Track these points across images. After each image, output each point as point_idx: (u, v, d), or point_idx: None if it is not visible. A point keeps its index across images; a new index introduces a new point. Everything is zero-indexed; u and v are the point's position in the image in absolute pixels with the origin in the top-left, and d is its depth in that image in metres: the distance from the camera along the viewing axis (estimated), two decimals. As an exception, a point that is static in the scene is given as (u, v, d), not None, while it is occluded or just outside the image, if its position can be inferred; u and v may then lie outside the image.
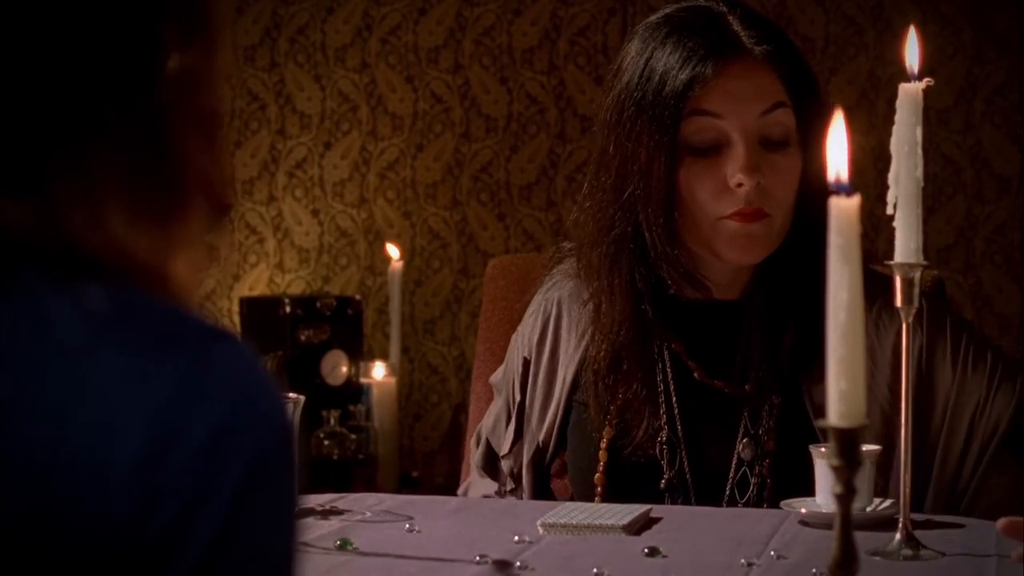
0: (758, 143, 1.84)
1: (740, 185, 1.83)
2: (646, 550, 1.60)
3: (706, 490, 1.90)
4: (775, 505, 1.82)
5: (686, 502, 1.89)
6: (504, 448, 2.01)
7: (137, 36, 0.87)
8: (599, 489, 1.90)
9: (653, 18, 1.89)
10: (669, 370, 1.91)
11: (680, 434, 1.89)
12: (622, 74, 1.88)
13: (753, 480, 1.88)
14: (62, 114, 0.85)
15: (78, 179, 0.85)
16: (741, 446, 1.88)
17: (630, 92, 1.85)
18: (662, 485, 1.89)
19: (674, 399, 1.90)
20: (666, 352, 1.92)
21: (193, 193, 0.90)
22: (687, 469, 1.89)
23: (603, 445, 1.91)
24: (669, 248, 1.85)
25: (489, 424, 2.06)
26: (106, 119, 0.86)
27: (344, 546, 1.63)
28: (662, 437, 1.89)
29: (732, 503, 1.89)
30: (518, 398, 2.00)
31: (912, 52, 1.64)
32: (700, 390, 1.91)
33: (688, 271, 1.88)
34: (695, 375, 1.91)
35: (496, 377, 2.08)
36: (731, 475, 1.89)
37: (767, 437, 1.88)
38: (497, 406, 2.06)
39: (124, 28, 0.87)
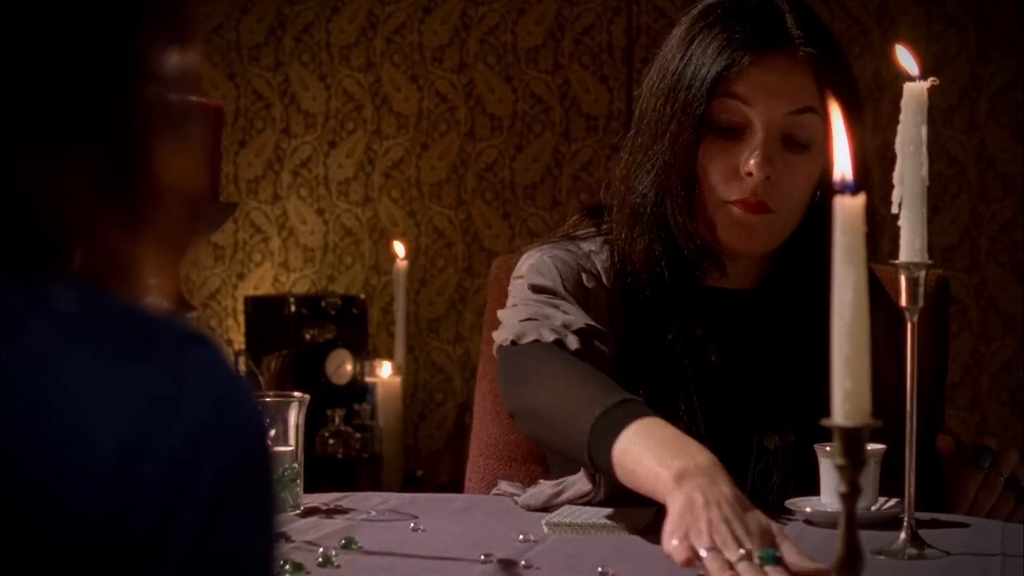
0: (780, 139, 1.87)
1: (749, 174, 1.86)
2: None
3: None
4: (799, 495, 1.83)
5: None
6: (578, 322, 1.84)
7: (111, 32, 0.86)
8: None
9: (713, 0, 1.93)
10: (686, 354, 1.92)
11: (699, 419, 1.91)
12: (670, 46, 1.92)
13: (776, 471, 1.90)
14: (32, 111, 0.83)
15: (48, 177, 0.83)
16: (764, 438, 1.90)
17: (673, 62, 1.90)
18: None
19: (692, 385, 1.91)
20: (683, 336, 1.92)
21: (167, 194, 0.87)
22: None
23: None
24: (687, 219, 1.88)
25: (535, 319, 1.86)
26: (78, 116, 0.84)
27: (349, 545, 1.63)
28: (681, 423, 1.90)
29: (753, 491, 1.90)
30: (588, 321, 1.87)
31: (906, 61, 1.64)
32: (719, 377, 1.93)
33: (704, 245, 1.89)
34: (712, 358, 1.92)
35: (538, 279, 1.91)
36: (752, 461, 1.91)
37: (787, 427, 1.90)
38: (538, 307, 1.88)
39: (97, 23, 0.85)
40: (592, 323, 1.84)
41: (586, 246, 1.95)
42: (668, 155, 1.88)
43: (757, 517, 1.51)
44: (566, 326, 1.83)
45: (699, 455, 1.58)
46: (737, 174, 1.86)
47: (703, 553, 1.47)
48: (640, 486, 1.61)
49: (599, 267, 1.93)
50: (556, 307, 1.86)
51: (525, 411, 1.82)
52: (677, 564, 1.49)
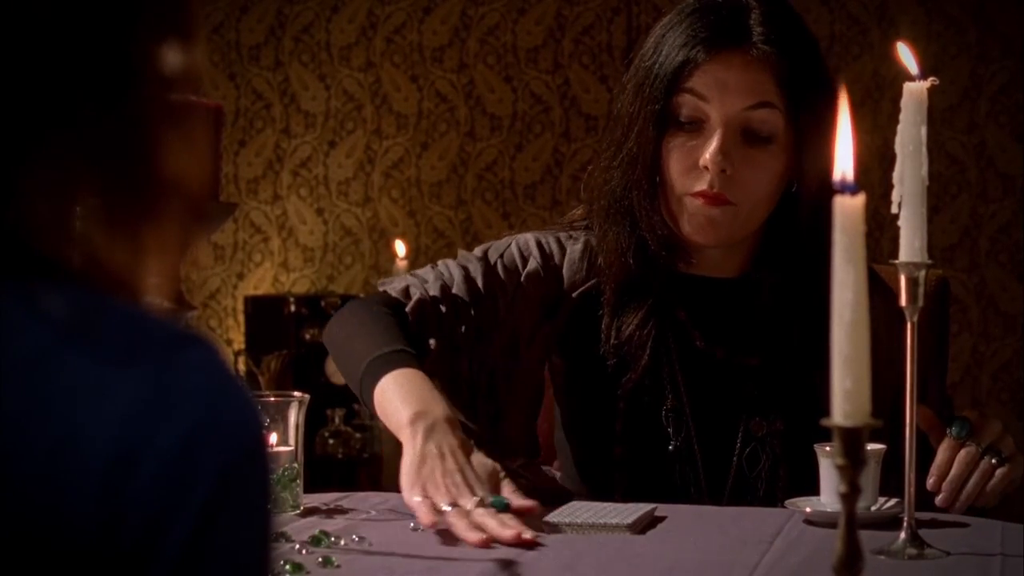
0: (740, 134, 1.92)
1: (706, 168, 1.91)
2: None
3: (714, 460, 1.95)
4: (789, 480, 1.85)
5: (694, 472, 1.92)
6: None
7: (112, 33, 0.85)
8: (617, 453, 1.94)
9: None
10: (671, 338, 1.94)
11: (685, 402, 1.93)
12: (647, 43, 1.98)
13: (764, 456, 1.92)
14: (31, 112, 0.83)
15: (45, 179, 0.83)
16: (752, 423, 1.93)
17: (643, 59, 1.96)
18: (670, 448, 1.92)
19: (677, 367, 1.93)
20: (667, 320, 1.96)
21: (168, 195, 0.87)
22: (694, 438, 1.93)
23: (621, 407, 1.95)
24: (650, 210, 1.94)
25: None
26: (78, 117, 0.84)
27: (318, 542, 1.63)
28: (667, 404, 1.93)
29: (741, 476, 1.93)
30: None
31: (907, 60, 1.64)
32: (705, 362, 1.96)
33: (667, 237, 1.95)
34: (697, 343, 1.95)
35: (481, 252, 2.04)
36: (737, 447, 1.92)
37: (776, 414, 1.92)
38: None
39: (99, 25, 0.85)
40: (458, 294, 1.96)
41: (575, 235, 2.04)
42: (635, 149, 1.94)
43: (481, 460, 1.72)
44: (425, 288, 1.96)
45: (436, 407, 1.75)
46: (697, 167, 1.91)
47: (445, 508, 1.64)
48: (388, 424, 1.78)
49: (569, 256, 2.01)
50: (448, 269, 1.99)
51: (328, 339, 1.98)
52: (423, 525, 1.65)
